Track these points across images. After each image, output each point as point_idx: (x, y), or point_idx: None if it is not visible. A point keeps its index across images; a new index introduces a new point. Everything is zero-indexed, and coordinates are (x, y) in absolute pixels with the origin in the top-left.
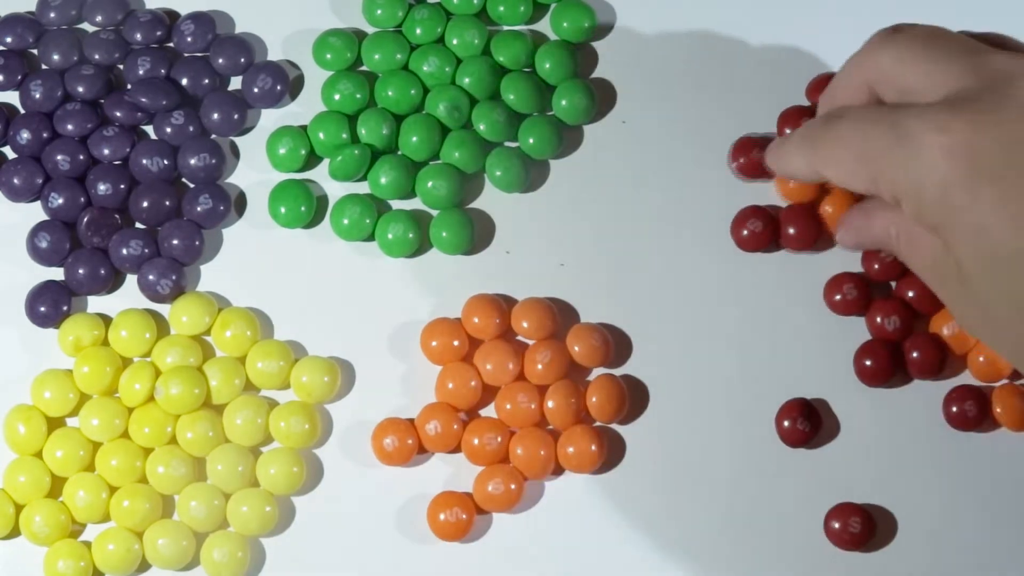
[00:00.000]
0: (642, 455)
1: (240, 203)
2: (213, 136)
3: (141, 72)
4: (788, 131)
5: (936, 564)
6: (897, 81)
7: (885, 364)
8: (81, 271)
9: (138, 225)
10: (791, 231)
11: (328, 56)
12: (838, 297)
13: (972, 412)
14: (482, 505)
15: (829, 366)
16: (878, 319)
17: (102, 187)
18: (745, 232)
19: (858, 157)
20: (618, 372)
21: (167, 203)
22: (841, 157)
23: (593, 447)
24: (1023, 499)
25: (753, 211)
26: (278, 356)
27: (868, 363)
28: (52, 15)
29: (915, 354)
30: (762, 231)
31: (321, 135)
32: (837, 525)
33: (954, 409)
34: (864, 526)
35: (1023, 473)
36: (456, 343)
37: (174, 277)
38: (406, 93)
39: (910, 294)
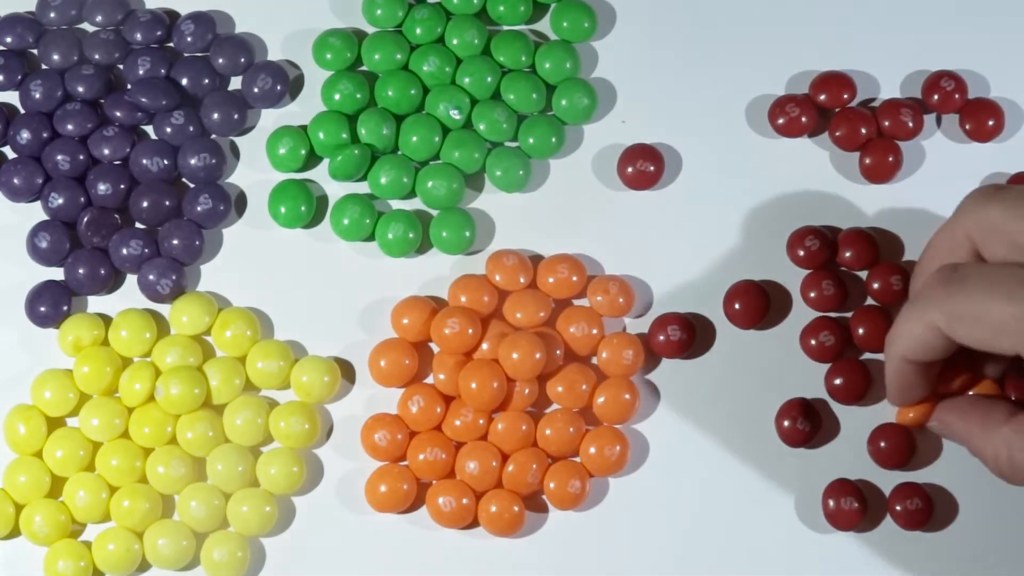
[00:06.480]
0: (642, 455)
1: (240, 203)
2: (213, 136)
3: (141, 72)
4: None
5: (935, 558)
6: (1010, 235)
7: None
8: (81, 271)
9: (138, 225)
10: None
11: (328, 56)
12: (813, 343)
13: None
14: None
15: (829, 366)
16: (812, 341)
17: (102, 187)
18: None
19: (1003, 318)
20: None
21: (167, 203)
22: (979, 316)
23: (618, 448)
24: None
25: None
26: (278, 356)
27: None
28: (52, 15)
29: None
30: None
31: (321, 135)
32: (832, 503)
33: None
34: (860, 503)
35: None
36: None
37: (174, 277)
38: (406, 93)
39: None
